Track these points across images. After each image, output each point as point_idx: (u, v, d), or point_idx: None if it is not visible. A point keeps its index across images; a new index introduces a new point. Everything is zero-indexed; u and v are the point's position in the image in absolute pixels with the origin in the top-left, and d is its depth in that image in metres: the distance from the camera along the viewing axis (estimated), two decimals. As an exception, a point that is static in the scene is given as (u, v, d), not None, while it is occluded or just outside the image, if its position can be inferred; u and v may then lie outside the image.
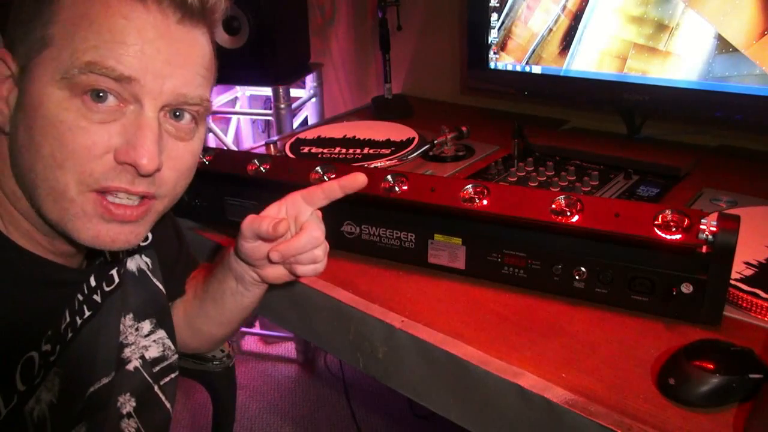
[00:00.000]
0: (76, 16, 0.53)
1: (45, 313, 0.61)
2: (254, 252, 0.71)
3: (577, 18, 1.25)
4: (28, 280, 0.59)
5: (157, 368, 0.79)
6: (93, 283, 0.68)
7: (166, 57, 0.55)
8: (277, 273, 0.74)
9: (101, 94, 0.53)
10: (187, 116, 0.59)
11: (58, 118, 0.53)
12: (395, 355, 0.76)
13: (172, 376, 0.82)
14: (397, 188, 0.83)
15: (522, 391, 0.64)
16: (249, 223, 0.69)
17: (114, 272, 0.72)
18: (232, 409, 1.15)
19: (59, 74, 0.53)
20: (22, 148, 0.55)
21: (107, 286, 0.71)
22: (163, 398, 0.80)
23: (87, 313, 0.67)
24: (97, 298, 0.69)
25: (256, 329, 2.35)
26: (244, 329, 2.31)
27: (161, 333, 0.80)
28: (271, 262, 0.71)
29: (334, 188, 0.70)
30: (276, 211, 0.71)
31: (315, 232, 0.70)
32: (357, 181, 0.69)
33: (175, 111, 0.58)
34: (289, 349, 2.29)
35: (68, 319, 0.64)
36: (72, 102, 0.53)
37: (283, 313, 0.92)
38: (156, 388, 0.79)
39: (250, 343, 2.33)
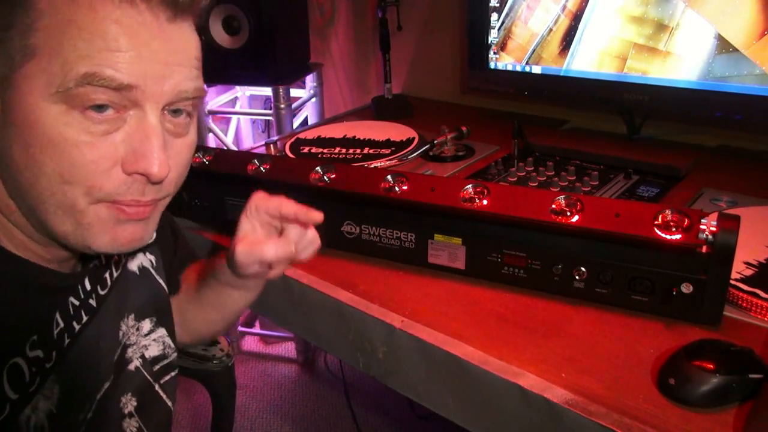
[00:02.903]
0: (60, 23, 0.50)
1: (28, 318, 0.59)
2: (261, 272, 0.70)
3: (577, 18, 1.25)
4: (10, 285, 0.57)
5: (158, 367, 0.79)
6: (88, 286, 0.67)
7: (164, 58, 0.53)
8: (280, 270, 0.73)
9: (101, 105, 0.51)
10: (183, 111, 0.58)
11: (60, 135, 0.51)
12: (395, 355, 0.76)
13: (172, 374, 0.81)
14: (397, 188, 0.83)
15: (522, 391, 0.64)
16: (247, 254, 0.66)
17: (107, 275, 0.71)
18: (232, 408, 1.15)
19: (53, 88, 0.50)
20: (21, 165, 0.53)
21: (102, 289, 0.70)
22: (164, 396, 0.80)
23: (85, 318, 0.66)
24: (93, 302, 0.68)
25: (256, 329, 2.35)
26: (244, 329, 2.31)
27: (161, 331, 0.80)
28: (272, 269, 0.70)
29: (289, 212, 0.68)
30: (250, 227, 0.69)
31: (295, 228, 0.69)
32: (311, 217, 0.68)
33: (173, 108, 0.57)
34: (289, 349, 2.29)
35: (62, 325, 0.62)
36: (72, 116, 0.51)
37: (284, 313, 0.92)
38: (157, 386, 0.79)
39: (250, 343, 2.33)
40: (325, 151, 1.24)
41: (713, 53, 1.10)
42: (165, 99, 0.54)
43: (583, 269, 0.75)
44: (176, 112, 0.58)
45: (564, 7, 1.26)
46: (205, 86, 0.60)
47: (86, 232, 0.55)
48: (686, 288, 0.70)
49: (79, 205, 0.53)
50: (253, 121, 2.43)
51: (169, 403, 0.81)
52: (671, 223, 0.70)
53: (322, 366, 2.21)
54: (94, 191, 0.53)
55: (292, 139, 1.32)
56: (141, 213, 0.57)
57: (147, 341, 0.78)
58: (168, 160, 0.55)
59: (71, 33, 0.50)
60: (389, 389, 0.80)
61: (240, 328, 2.30)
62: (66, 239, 0.56)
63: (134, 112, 0.53)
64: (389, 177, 0.84)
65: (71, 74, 0.50)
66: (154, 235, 0.73)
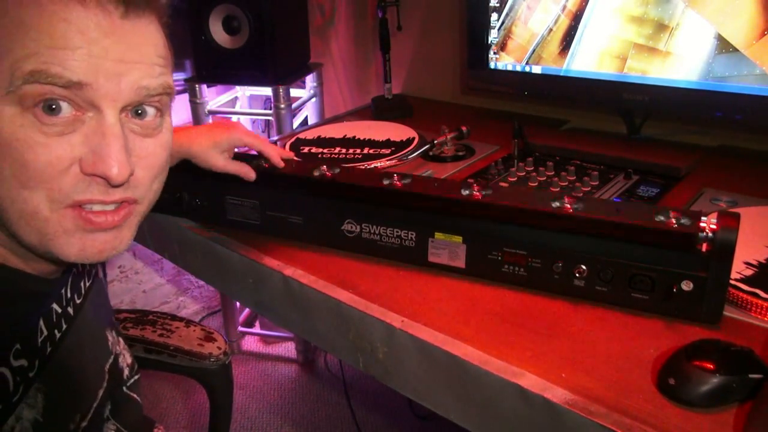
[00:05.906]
0: (9, 25, 0.49)
1: (12, 326, 0.58)
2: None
3: (577, 18, 1.25)
4: None
5: (126, 372, 0.81)
6: (68, 294, 0.66)
7: (117, 56, 0.52)
8: None
9: (53, 106, 0.50)
10: (150, 111, 0.57)
11: (13, 137, 0.50)
12: (395, 355, 0.76)
13: (137, 377, 0.83)
14: (396, 182, 0.84)
15: (522, 391, 0.64)
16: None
17: (82, 283, 0.71)
18: (229, 407, 1.15)
19: (3, 90, 0.49)
20: None
21: (78, 298, 0.69)
22: (132, 395, 0.82)
23: (64, 327, 0.65)
24: (71, 310, 0.67)
25: (256, 329, 2.35)
26: (244, 329, 2.31)
27: (121, 340, 0.82)
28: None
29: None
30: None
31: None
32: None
33: (136, 109, 0.56)
34: (289, 349, 2.29)
35: (45, 332, 0.61)
36: (25, 117, 0.50)
37: (284, 313, 0.92)
38: (124, 388, 0.80)
39: (250, 343, 2.33)
40: (325, 151, 1.24)
41: (713, 53, 1.10)
42: (124, 98, 0.53)
43: (583, 267, 0.75)
44: (141, 113, 0.56)
45: (564, 7, 1.26)
46: (173, 83, 0.58)
47: (51, 243, 0.53)
48: (686, 285, 0.70)
49: (41, 212, 0.52)
50: (253, 121, 2.43)
51: (138, 399, 0.82)
52: (672, 221, 0.70)
53: (322, 366, 2.21)
54: (55, 194, 0.52)
55: (292, 139, 1.32)
56: (111, 222, 0.55)
57: (123, 350, 0.80)
58: (129, 161, 0.53)
59: (20, 33, 0.49)
60: (389, 389, 0.80)
61: (240, 328, 2.30)
62: (35, 250, 0.55)
63: (93, 114, 0.52)
64: (390, 175, 0.85)
65: (18, 72, 0.49)
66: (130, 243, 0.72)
